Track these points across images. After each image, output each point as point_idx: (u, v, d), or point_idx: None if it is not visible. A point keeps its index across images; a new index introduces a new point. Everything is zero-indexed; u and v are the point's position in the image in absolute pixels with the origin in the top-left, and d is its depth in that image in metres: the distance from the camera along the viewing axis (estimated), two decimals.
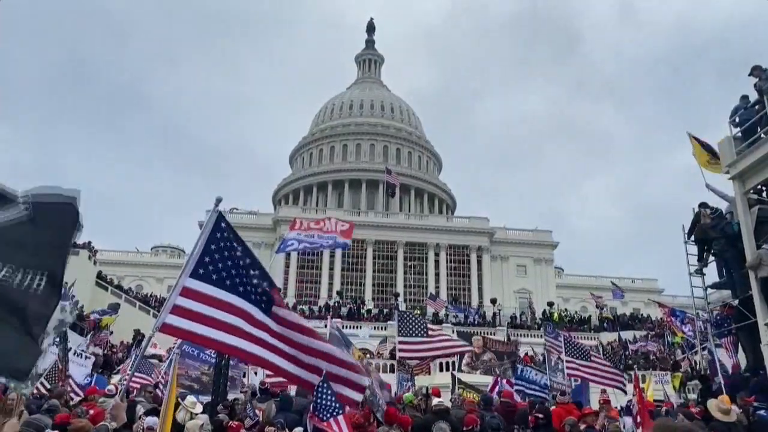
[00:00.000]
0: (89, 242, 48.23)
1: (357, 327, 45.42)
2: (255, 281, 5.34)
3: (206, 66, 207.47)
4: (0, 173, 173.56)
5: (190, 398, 10.06)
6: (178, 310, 4.97)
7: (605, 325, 52.50)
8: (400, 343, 14.16)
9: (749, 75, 13.18)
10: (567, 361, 15.06)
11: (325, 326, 46.05)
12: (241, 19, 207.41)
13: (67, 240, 4.39)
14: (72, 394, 13.69)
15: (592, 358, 15.30)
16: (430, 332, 14.26)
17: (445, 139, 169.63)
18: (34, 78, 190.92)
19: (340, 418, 5.94)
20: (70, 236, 4.39)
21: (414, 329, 14.13)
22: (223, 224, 5.28)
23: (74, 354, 15.68)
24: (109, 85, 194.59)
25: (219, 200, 5.24)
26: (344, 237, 15.54)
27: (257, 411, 10.58)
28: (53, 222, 4.34)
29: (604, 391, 14.29)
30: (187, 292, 5.01)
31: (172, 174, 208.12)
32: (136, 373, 15.34)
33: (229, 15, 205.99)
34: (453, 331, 34.97)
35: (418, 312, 52.64)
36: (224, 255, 5.22)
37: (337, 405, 5.88)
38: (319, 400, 5.78)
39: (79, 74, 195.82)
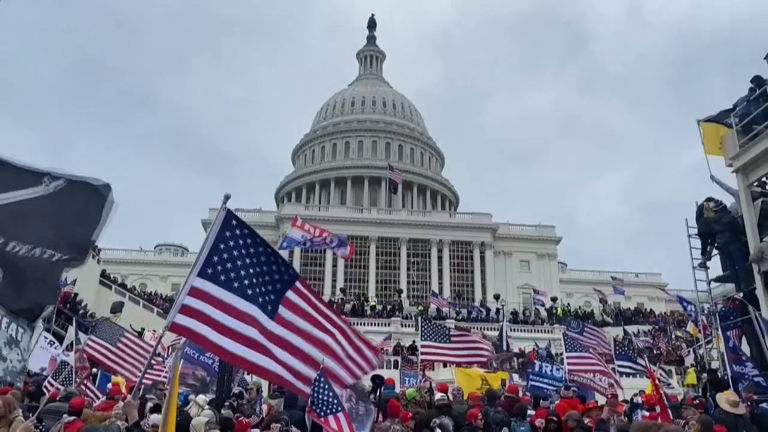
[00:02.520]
0: (93, 241, 48.35)
1: (360, 324, 45.48)
2: (265, 281, 5.20)
3: (214, 68, 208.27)
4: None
5: (202, 396, 10.16)
6: (186, 310, 4.88)
7: (609, 319, 52.47)
8: (423, 346, 14.94)
9: (765, 58, 13.14)
10: (568, 358, 15.02)
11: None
12: (249, 22, 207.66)
13: (93, 216, 4.93)
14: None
15: (591, 352, 15.29)
16: (453, 338, 14.92)
17: (452, 137, 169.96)
18: (45, 79, 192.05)
19: (341, 415, 5.88)
20: (97, 213, 4.92)
21: (437, 334, 14.95)
22: (233, 222, 5.13)
23: (67, 349, 15.73)
24: (119, 88, 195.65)
25: (227, 197, 5.08)
26: (346, 249, 15.96)
27: (263, 407, 10.62)
28: (80, 200, 4.89)
29: (612, 386, 14.29)
30: (195, 292, 4.92)
31: (177, 174, 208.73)
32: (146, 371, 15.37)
33: (237, 19, 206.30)
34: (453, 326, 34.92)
35: (421, 309, 52.79)
36: (233, 255, 5.07)
37: (336, 401, 5.81)
38: (316, 395, 5.73)
39: (89, 77, 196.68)
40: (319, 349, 5.45)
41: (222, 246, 5.04)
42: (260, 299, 5.14)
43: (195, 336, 5.01)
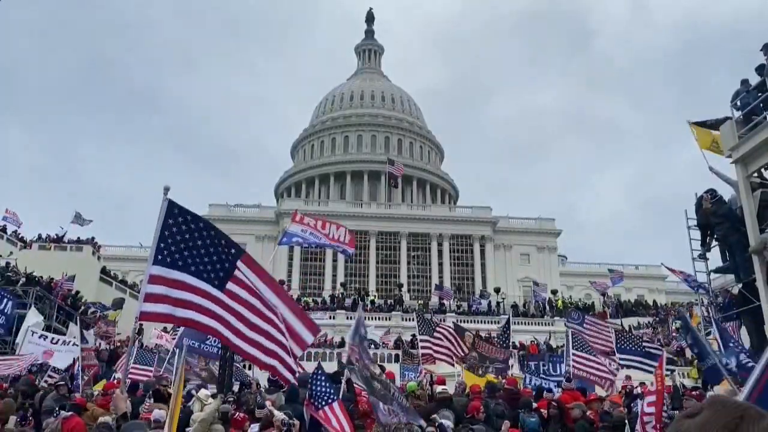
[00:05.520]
0: (92, 238, 48.36)
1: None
2: (210, 259, 5.67)
3: (220, 67, 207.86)
4: (21, 175, 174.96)
5: (204, 391, 10.20)
6: (150, 297, 5.37)
7: (609, 311, 52.53)
8: (422, 341, 15.27)
9: (760, 50, 13.16)
10: (574, 355, 15.01)
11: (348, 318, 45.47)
12: (252, 18, 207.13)
13: None
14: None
15: (595, 355, 15.26)
16: (435, 333, 15.36)
17: (456, 134, 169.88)
18: (53, 78, 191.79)
19: (335, 404, 6.05)
20: None
21: (430, 329, 15.42)
22: (175, 210, 5.67)
23: (62, 343, 15.81)
24: (125, 87, 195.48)
25: (167, 189, 5.67)
26: (349, 246, 15.77)
27: (267, 403, 10.66)
28: None
29: (629, 378, 14.33)
30: (153, 279, 5.42)
31: (178, 169, 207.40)
32: (136, 365, 15.48)
33: (240, 15, 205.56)
34: (457, 320, 35.01)
35: (421, 303, 52.89)
36: (177, 239, 5.61)
37: (332, 392, 6.01)
38: (315, 388, 5.91)
39: (96, 76, 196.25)
40: (263, 321, 5.76)
41: (167, 233, 5.59)
42: (205, 275, 5.64)
43: (164, 318, 5.56)
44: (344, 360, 11.69)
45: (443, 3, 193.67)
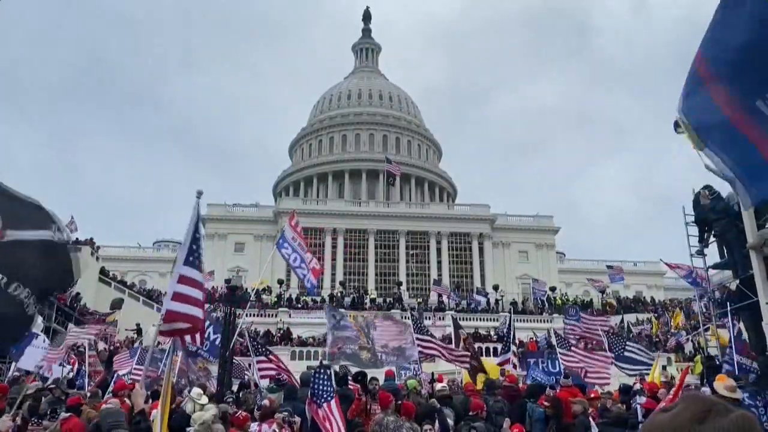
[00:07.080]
0: (91, 238, 48.31)
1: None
2: (192, 252, 5.93)
3: (220, 66, 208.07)
4: (22, 173, 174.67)
5: (196, 390, 10.13)
6: (178, 297, 5.48)
7: (608, 308, 52.61)
8: (419, 339, 15.69)
9: None
10: (559, 352, 15.29)
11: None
12: (253, 18, 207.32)
13: (67, 280, 5.01)
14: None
15: (572, 348, 15.54)
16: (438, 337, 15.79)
17: (455, 132, 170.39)
18: (54, 78, 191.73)
19: (332, 401, 6.16)
20: (68, 279, 5.02)
21: (423, 330, 16.16)
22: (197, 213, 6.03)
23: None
24: (125, 87, 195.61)
25: (200, 193, 5.89)
26: (313, 275, 15.85)
27: (266, 402, 10.69)
28: (62, 262, 4.92)
29: (642, 378, 14.42)
30: (183, 279, 5.54)
31: (178, 169, 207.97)
32: (137, 366, 15.45)
33: (241, 14, 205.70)
34: (457, 317, 34.95)
35: (420, 301, 52.94)
36: (194, 237, 5.92)
37: (330, 389, 6.13)
38: (316, 386, 6.01)
39: (96, 76, 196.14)
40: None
41: (198, 235, 5.89)
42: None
43: (187, 318, 5.60)
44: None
45: (443, 1, 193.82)
